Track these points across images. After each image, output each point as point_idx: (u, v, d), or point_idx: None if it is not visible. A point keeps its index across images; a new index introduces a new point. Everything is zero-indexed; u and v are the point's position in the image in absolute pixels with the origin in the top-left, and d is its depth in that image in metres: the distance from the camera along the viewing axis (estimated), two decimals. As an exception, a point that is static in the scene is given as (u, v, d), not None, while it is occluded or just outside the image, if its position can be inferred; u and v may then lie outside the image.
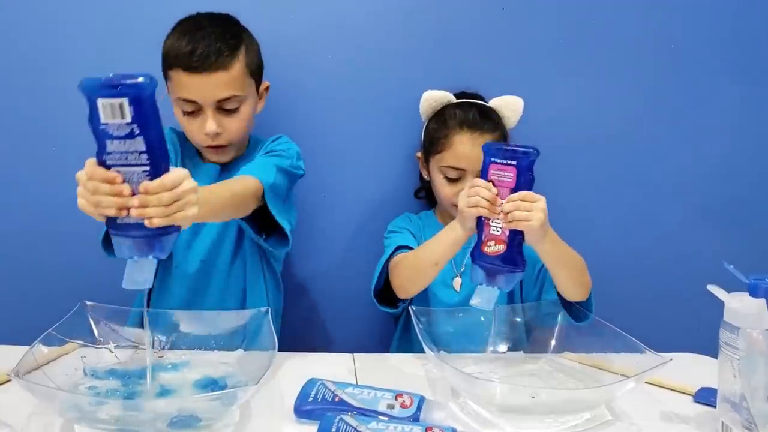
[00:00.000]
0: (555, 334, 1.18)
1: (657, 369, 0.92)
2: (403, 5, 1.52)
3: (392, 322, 1.50)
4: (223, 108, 1.21)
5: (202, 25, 1.21)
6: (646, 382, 1.03)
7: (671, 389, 1.06)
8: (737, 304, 0.83)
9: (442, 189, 1.35)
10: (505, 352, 1.18)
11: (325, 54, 1.51)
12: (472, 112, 1.34)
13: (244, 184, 1.13)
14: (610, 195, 1.59)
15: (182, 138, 1.32)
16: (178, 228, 0.84)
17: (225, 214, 1.12)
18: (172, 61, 1.20)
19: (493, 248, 1.06)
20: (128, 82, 0.76)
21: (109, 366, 1.02)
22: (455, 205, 1.29)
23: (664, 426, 0.95)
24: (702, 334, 1.04)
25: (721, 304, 0.85)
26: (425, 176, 1.44)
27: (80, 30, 1.46)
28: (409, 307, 1.14)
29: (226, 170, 1.31)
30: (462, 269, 1.36)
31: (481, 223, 1.08)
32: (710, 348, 0.95)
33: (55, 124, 1.48)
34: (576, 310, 1.20)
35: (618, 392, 0.94)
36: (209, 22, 1.22)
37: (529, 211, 1.03)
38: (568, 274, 1.17)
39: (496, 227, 1.06)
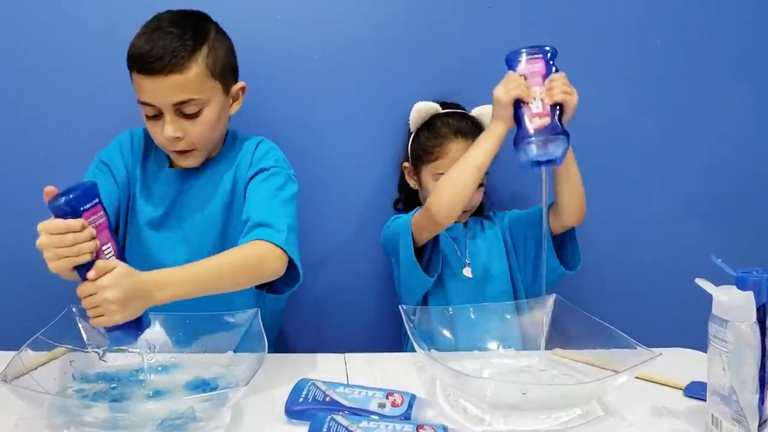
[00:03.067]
0: (545, 330, 1.18)
1: (647, 363, 0.92)
2: (390, 5, 1.52)
3: (393, 322, 1.50)
4: (182, 112, 1.17)
5: (162, 26, 1.17)
6: (636, 378, 1.03)
7: (662, 384, 1.06)
8: (725, 298, 0.83)
9: None
10: (495, 349, 1.18)
11: (313, 54, 1.51)
12: (465, 122, 1.42)
13: (248, 254, 1.10)
14: (597, 191, 1.59)
15: (151, 141, 1.29)
16: (122, 328, 0.92)
17: (229, 285, 1.07)
18: (131, 63, 1.18)
19: (538, 122, 1.17)
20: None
21: (98, 369, 1.02)
22: None
23: (654, 420, 0.95)
24: (691, 329, 1.04)
25: (708, 299, 0.86)
26: (413, 185, 1.49)
27: (67, 30, 1.47)
28: (399, 307, 1.14)
29: (195, 174, 1.29)
30: (468, 260, 1.43)
31: (519, 110, 1.18)
32: (699, 343, 0.95)
33: (42, 127, 1.48)
34: (568, 252, 1.30)
35: (609, 387, 0.94)
36: (171, 22, 1.18)
37: (570, 87, 1.18)
38: (573, 187, 1.30)
39: (537, 106, 1.18)
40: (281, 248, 1.11)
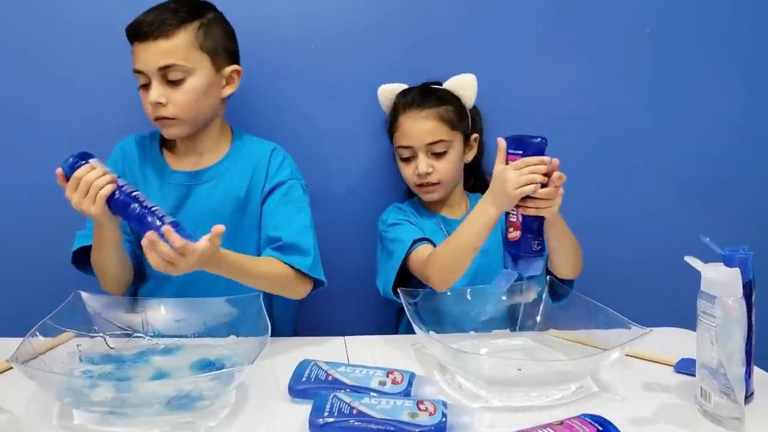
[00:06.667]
0: (539, 312, 1.21)
1: (639, 339, 0.95)
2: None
3: (390, 309, 1.53)
4: (168, 79, 1.22)
5: (165, 4, 1.25)
6: (629, 356, 1.06)
7: (653, 361, 1.09)
8: (713, 274, 0.85)
9: (402, 170, 1.44)
10: (491, 330, 1.20)
11: (308, 44, 1.53)
12: (411, 94, 1.42)
13: (283, 273, 1.21)
14: (589, 175, 1.62)
15: (146, 147, 1.34)
16: None
17: (261, 287, 1.17)
18: (127, 34, 1.24)
19: (513, 234, 1.11)
20: None
21: (104, 352, 1.04)
22: (417, 185, 1.41)
23: (646, 395, 0.98)
24: (681, 310, 1.07)
25: (697, 281, 0.88)
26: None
27: (60, 25, 1.48)
28: (398, 289, 1.16)
29: (202, 176, 1.31)
30: None
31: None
32: (689, 323, 0.98)
33: (40, 119, 1.49)
34: (555, 290, 1.23)
35: (602, 363, 0.97)
36: (174, 2, 1.25)
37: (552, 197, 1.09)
38: (568, 248, 1.24)
39: (513, 214, 1.11)
40: (308, 275, 1.24)
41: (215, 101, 1.30)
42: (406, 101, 1.41)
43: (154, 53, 1.21)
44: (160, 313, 1.13)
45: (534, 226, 1.09)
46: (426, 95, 1.41)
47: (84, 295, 1.09)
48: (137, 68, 1.23)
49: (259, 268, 1.19)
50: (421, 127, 1.38)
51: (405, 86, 1.46)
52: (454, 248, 1.22)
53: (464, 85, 1.43)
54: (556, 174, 1.08)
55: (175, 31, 1.21)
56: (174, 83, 1.22)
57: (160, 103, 1.22)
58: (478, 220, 1.18)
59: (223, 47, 1.29)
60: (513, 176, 1.08)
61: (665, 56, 1.62)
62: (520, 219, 1.09)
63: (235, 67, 1.31)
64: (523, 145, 1.09)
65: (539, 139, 1.09)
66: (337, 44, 1.54)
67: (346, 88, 1.55)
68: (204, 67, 1.25)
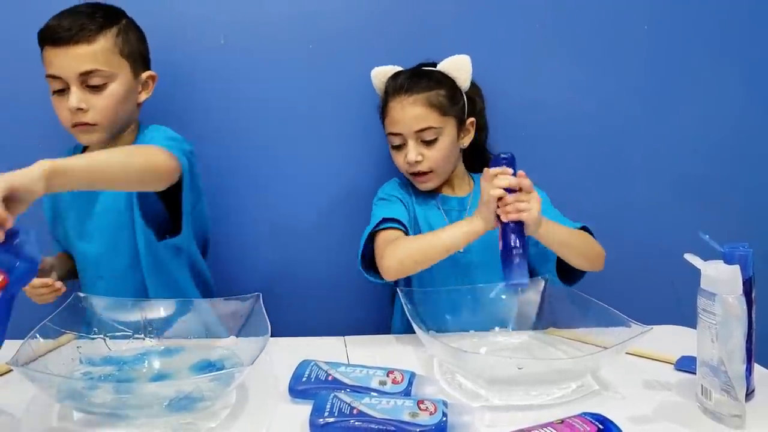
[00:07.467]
0: (539, 310, 1.21)
1: (639, 337, 0.95)
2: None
3: (387, 303, 1.53)
4: (88, 84, 1.21)
5: (75, 9, 1.24)
6: (629, 354, 1.06)
7: (653, 359, 1.09)
8: (713, 271, 0.85)
9: (394, 158, 1.40)
10: (491, 329, 1.21)
11: (305, 39, 1.53)
12: (401, 78, 1.37)
13: (154, 155, 1.11)
14: (587, 174, 1.62)
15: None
16: None
17: (124, 169, 1.05)
18: (40, 39, 1.22)
19: (499, 244, 1.14)
20: None
21: (104, 354, 1.04)
22: (410, 173, 1.39)
23: (647, 393, 0.98)
24: (680, 308, 1.07)
25: (696, 278, 0.88)
26: None
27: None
28: (397, 289, 1.16)
29: None
30: None
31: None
32: (688, 321, 0.98)
33: (36, 118, 1.48)
34: (569, 276, 1.27)
35: (603, 361, 0.97)
36: (86, 6, 1.25)
37: (524, 201, 1.12)
38: (574, 250, 1.23)
39: (498, 227, 1.15)
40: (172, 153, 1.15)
41: (133, 107, 1.30)
42: (395, 85, 1.36)
43: (75, 58, 1.20)
44: (159, 314, 1.13)
45: (512, 234, 1.13)
46: (416, 79, 1.35)
47: (84, 296, 1.09)
48: (53, 73, 1.21)
49: (115, 157, 1.05)
50: (409, 113, 1.33)
51: (398, 68, 1.42)
52: (429, 241, 1.22)
53: (458, 67, 1.38)
54: (524, 182, 1.13)
55: (95, 36, 1.21)
56: (94, 88, 1.22)
57: (81, 109, 1.21)
58: (463, 227, 1.19)
59: (139, 52, 1.29)
60: (485, 186, 1.15)
61: (662, 53, 1.61)
62: (501, 228, 1.14)
63: (150, 72, 1.32)
64: (494, 162, 1.17)
65: (502, 155, 1.17)
66: (334, 37, 1.54)
67: (341, 78, 1.55)
68: (124, 73, 1.25)
